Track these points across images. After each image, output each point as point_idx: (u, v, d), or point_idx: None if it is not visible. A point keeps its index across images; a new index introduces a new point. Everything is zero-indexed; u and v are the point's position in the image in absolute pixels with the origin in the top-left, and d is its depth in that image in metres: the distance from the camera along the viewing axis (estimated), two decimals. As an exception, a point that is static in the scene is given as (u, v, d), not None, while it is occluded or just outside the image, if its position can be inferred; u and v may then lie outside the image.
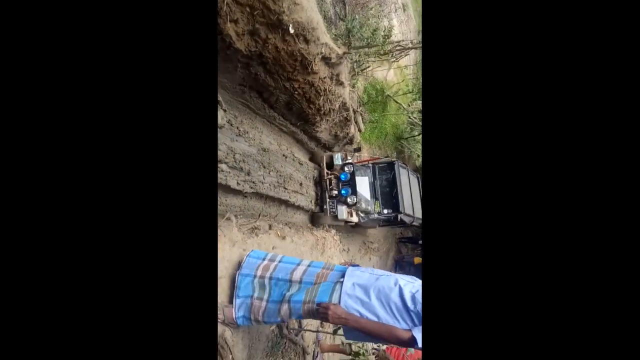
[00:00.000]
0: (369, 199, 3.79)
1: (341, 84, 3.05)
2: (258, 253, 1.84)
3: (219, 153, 2.13)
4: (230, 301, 1.69)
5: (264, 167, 2.64)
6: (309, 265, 1.65)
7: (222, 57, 2.12)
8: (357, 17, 4.02)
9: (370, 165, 4.10)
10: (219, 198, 2.24)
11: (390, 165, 4.20)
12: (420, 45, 5.05)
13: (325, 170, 3.55)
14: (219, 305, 1.65)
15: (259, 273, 1.69)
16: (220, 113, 2.17)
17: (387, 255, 6.41)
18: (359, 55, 4.19)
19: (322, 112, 3.05)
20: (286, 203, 3.00)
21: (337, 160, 3.59)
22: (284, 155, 2.99)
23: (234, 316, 1.62)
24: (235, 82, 2.44)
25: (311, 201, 3.38)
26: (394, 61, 5.64)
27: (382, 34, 4.09)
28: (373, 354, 2.46)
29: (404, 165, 4.56)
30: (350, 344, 2.46)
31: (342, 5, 4.22)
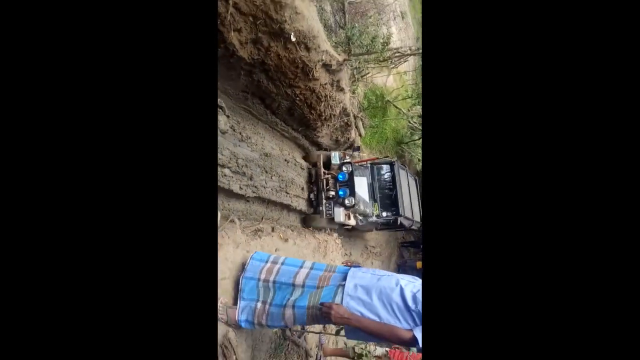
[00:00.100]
0: (368, 200, 3.60)
1: (342, 90, 3.09)
2: (261, 255, 1.85)
3: (222, 158, 2.17)
4: (235, 303, 1.71)
5: (266, 171, 2.67)
6: (311, 268, 1.67)
7: (225, 65, 2.17)
8: (356, 25, 4.09)
9: (369, 165, 3.89)
10: (222, 202, 2.28)
11: (390, 166, 4.01)
12: (419, 51, 5.12)
13: (322, 170, 3.31)
14: (223, 306, 1.68)
15: (262, 276, 1.70)
16: (223, 119, 2.22)
17: (390, 259, 6.39)
18: (359, 62, 4.25)
19: (323, 117, 3.08)
20: (288, 207, 3.03)
21: (335, 159, 3.36)
22: (285, 160, 3.02)
23: (236, 318, 1.64)
24: (238, 89, 2.49)
25: (304, 201, 3.23)
26: (393, 67, 5.71)
27: (381, 41, 4.16)
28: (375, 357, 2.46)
29: (403, 166, 4.41)
30: (353, 348, 2.47)
31: (342, 14, 4.29)
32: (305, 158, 3.52)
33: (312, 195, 3.29)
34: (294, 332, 2.34)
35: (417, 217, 4.37)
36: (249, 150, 2.53)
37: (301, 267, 1.69)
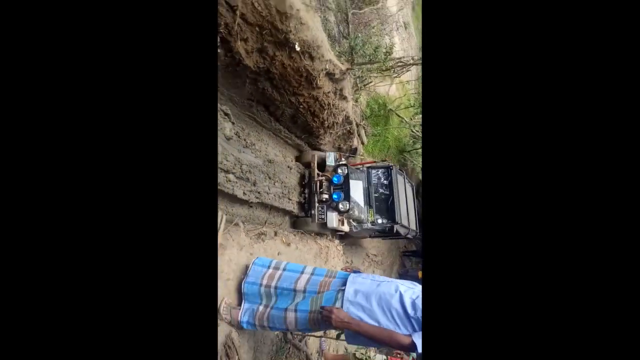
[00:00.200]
0: (363, 206, 3.35)
1: (344, 98, 3.13)
2: (263, 260, 1.87)
3: (227, 164, 2.21)
4: (238, 304, 1.74)
5: (270, 178, 2.70)
6: (312, 274, 1.69)
7: (231, 73, 2.23)
8: (359, 35, 4.16)
9: (365, 169, 3.62)
10: (225, 207, 2.31)
11: (387, 170, 3.70)
12: (421, 61, 5.17)
13: (316, 171, 3.09)
14: (226, 306, 1.70)
15: (264, 282, 1.72)
16: (228, 125, 2.27)
17: (391, 268, 6.35)
18: (362, 71, 4.30)
19: (326, 125, 3.12)
20: (290, 214, 3.05)
21: (330, 160, 3.12)
22: (288, 166, 3.05)
23: (239, 319, 1.67)
24: (244, 97, 2.54)
25: (295, 203, 3.04)
26: (396, 77, 5.77)
27: (384, 51, 4.21)
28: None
29: (400, 171, 4.10)
30: (354, 353, 2.46)
31: (346, 24, 4.37)
32: (298, 158, 3.30)
33: (302, 198, 3.10)
34: (295, 336, 2.35)
35: (413, 225, 4.07)
36: (253, 157, 2.57)
37: (302, 272, 1.71)
